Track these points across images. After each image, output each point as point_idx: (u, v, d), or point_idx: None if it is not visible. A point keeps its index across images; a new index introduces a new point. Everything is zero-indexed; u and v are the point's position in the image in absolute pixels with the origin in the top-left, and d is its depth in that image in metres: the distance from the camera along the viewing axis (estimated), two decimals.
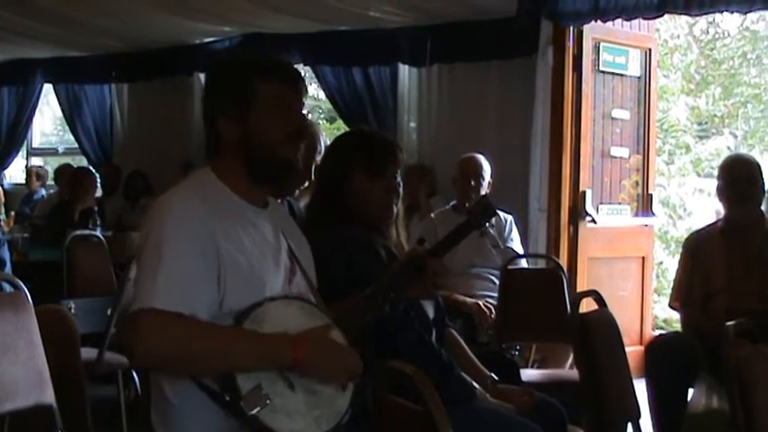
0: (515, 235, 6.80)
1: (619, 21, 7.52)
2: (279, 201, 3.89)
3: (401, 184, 3.69)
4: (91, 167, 11.19)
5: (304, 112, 2.96)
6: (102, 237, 7.52)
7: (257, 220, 2.85)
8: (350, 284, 3.08)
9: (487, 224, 3.34)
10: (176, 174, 8.24)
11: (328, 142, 4.40)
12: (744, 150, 12.82)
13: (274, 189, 3.00)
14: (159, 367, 2.73)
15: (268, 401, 2.57)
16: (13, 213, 11.17)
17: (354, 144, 3.71)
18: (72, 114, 12.24)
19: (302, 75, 2.98)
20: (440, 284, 3.20)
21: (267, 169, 2.85)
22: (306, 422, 2.64)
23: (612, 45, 7.92)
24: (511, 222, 6.79)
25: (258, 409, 2.55)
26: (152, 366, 2.78)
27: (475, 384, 3.56)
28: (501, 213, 6.70)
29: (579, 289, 7.04)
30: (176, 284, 2.59)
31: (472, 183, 6.59)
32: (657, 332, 8.14)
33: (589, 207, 7.65)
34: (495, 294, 6.30)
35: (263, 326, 2.66)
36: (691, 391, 5.16)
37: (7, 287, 3.84)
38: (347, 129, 8.87)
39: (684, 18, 10.90)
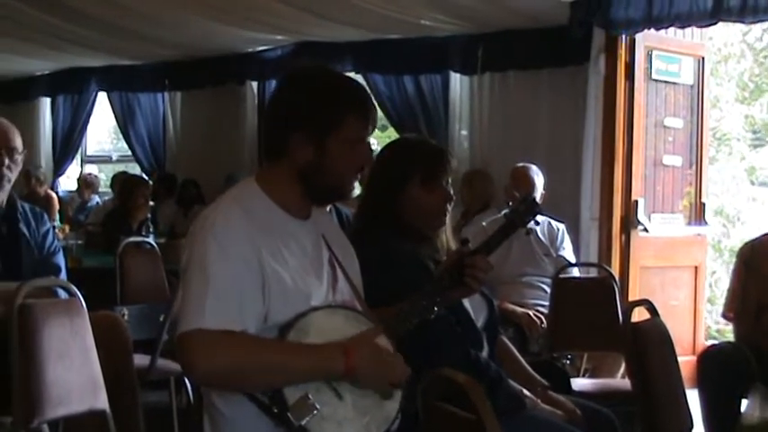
0: (567, 243, 6.79)
1: (671, 29, 7.44)
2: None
3: (452, 191, 3.67)
4: (144, 175, 11.27)
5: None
6: (154, 244, 7.54)
7: (298, 233, 2.83)
8: (397, 299, 3.03)
9: (532, 222, 3.29)
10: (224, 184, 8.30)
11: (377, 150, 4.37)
12: None
13: (321, 206, 3.02)
14: (215, 386, 2.73)
15: (315, 411, 2.57)
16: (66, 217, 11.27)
17: (409, 153, 3.67)
18: (125, 122, 12.34)
19: (375, 105, 2.98)
20: (482, 279, 3.14)
21: (326, 195, 2.91)
22: (356, 429, 2.66)
23: (665, 53, 7.85)
24: (563, 231, 6.78)
25: (307, 419, 2.56)
26: (206, 385, 2.77)
27: (525, 392, 3.54)
28: (553, 222, 6.70)
29: (631, 298, 6.99)
30: (225, 302, 2.59)
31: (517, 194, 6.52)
32: (710, 342, 8.03)
33: (641, 216, 7.59)
34: (547, 303, 6.29)
35: (309, 336, 2.67)
36: (744, 402, 5.11)
37: (62, 294, 3.86)
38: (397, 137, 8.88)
39: (738, 25, 10.79)
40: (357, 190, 3.10)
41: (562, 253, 6.70)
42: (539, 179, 6.78)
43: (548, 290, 6.37)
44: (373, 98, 3.04)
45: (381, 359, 2.71)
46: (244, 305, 2.61)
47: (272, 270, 2.68)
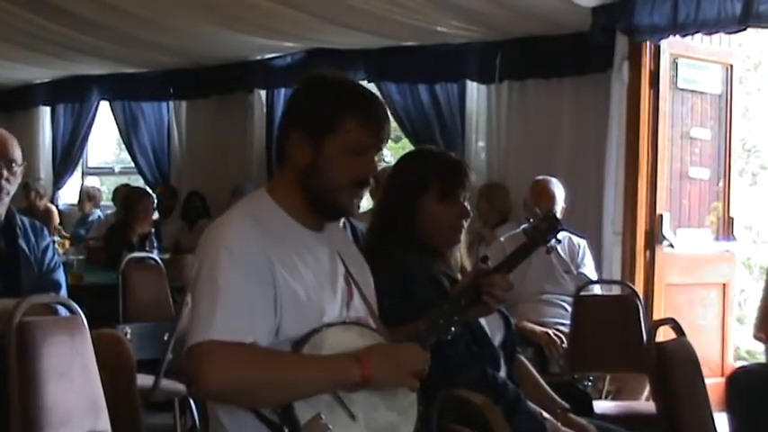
0: (589, 260, 6.72)
1: (698, 35, 7.38)
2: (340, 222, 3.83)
3: (469, 207, 3.67)
4: (147, 188, 11.15)
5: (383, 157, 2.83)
6: (158, 260, 7.53)
7: (313, 245, 2.82)
8: (411, 316, 3.03)
9: (554, 240, 3.28)
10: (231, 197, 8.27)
11: (392, 161, 4.36)
12: None
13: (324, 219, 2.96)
14: (224, 400, 2.66)
15: (328, 431, 2.55)
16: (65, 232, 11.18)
17: (426, 165, 3.66)
18: (128, 133, 12.31)
19: (389, 119, 2.90)
20: (501, 297, 3.12)
21: (323, 204, 2.83)
22: None
23: (691, 61, 7.80)
24: (584, 247, 6.71)
25: None
26: (217, 400, 2.70)
27: (546, 415, 3.50)
28: (574, 238, 6.66)
29: (656, 317, 6.88)
30: (235, 313, 2.57)
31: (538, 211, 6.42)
32: (740, 363, 8.05)
33: (667, 231, 7.52)
34: (567, 322, 6.24)
35: (322, 352, 2.65)
36: None
37: (63, 311, 3.84)
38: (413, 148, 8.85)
39: None
40: (368, 204, 3.03)
41: (583, 270, 6.62)
42: (559, 192, 6.68)
43: (568, 308, 6.32)
44: (387, 108, 2.89)
45: (395, 355, 2.71)
46: (255, 317, 2.59)
47: (285, 283, 2.66)
